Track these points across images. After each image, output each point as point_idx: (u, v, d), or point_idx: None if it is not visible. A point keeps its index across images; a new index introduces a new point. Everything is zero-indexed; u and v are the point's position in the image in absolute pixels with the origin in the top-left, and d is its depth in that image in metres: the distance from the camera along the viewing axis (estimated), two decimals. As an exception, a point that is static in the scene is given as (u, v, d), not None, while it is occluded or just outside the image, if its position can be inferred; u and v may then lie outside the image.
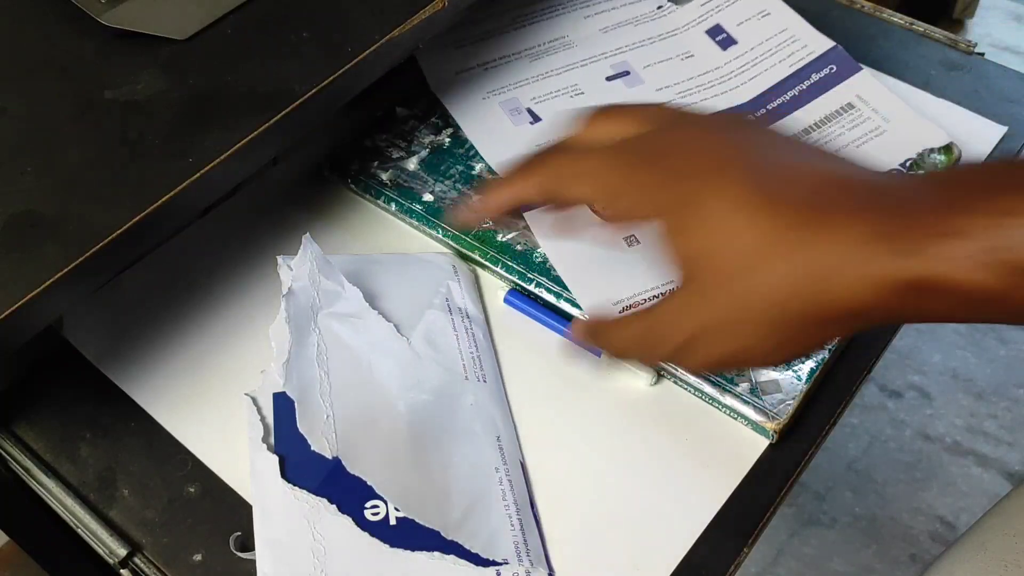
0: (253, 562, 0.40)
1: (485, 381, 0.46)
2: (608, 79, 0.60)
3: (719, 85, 0.60)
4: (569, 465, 0.44)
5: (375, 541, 0.39)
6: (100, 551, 0.42)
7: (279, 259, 0.49)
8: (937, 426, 1.13)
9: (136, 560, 0.42)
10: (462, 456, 0.43)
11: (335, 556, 0.39)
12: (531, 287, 0.50)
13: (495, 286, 0.51)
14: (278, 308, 0.46)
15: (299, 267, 0.47)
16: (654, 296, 0.48)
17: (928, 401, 1.16)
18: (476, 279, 0.52)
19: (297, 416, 0.42)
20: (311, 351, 0.45)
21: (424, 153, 0.56)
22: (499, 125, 0.57)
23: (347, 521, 0.40)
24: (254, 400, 0.44)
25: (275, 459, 0.42)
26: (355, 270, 0.49)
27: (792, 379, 0.45)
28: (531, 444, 0.45)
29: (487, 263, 0.51)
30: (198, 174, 0.40)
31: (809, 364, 0.46)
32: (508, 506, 0.42)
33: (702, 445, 0.45)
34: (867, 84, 0.58)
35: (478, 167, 0.55)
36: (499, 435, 0.44)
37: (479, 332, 0.48)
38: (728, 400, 0.45)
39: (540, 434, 0.45)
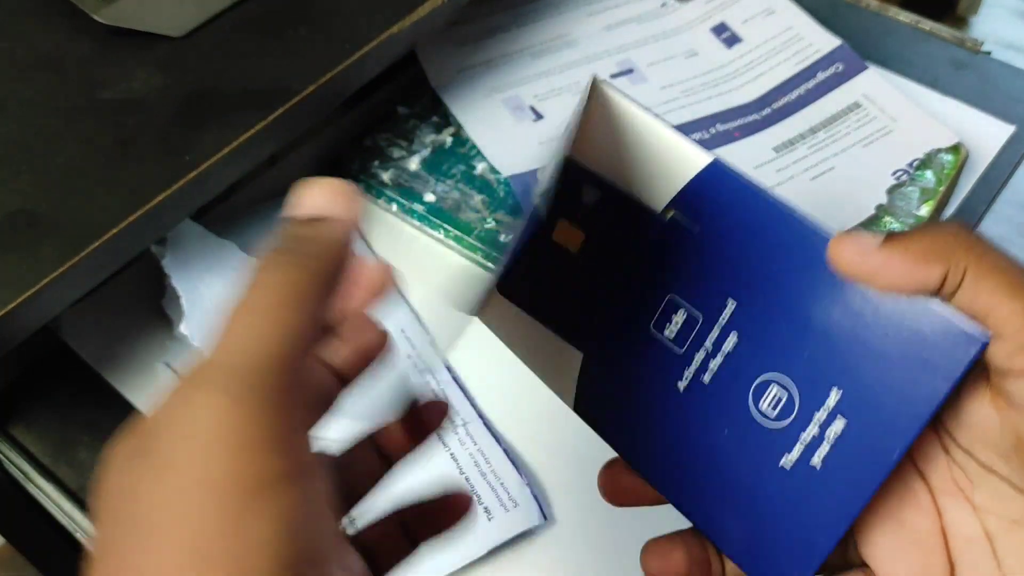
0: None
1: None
2: (612, 76, 0.59)
3: (724, 84, 0.59)
4: (577, 468, 0.44)
5: None
6: (97, 555, 0.42)
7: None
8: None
9: (133, 565, 0.41)
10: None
11: None
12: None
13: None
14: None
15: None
16: None
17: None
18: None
19: None
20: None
21: (426, 152, 0.56)
22: (502, 123, 0.57)
23: None
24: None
25: None
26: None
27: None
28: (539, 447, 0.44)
29: (490, 264, 0.51)
30: (195, 172, 0.39)
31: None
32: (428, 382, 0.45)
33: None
34: (874, 83, 0.58)
35: (480, 167, 0.55)
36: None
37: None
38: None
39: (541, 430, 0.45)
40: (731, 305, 0.28)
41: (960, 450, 0.26)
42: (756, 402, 0.28)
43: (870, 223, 0.51)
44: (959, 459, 0.26)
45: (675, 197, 0.29)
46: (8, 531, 0.45)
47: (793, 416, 0.27)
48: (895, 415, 0.26)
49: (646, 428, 0.30)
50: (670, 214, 0.30)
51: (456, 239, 0.52)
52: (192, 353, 0.47)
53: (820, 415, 0.27)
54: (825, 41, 0.60)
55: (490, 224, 0.51)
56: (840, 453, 0.26)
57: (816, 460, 0.27)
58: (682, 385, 0.29)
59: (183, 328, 0.42)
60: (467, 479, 0.42)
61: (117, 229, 0.38)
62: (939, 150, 0.54)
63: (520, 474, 0.42)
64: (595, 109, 0.30)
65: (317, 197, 0.22)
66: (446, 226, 0.52)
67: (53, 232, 0.37)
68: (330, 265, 0.21)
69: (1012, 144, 0.56)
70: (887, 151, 0.54)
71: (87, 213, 0.38)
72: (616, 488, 0.31)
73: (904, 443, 0.25)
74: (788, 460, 0.27)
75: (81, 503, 0.43)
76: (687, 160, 0.29)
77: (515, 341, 0.34)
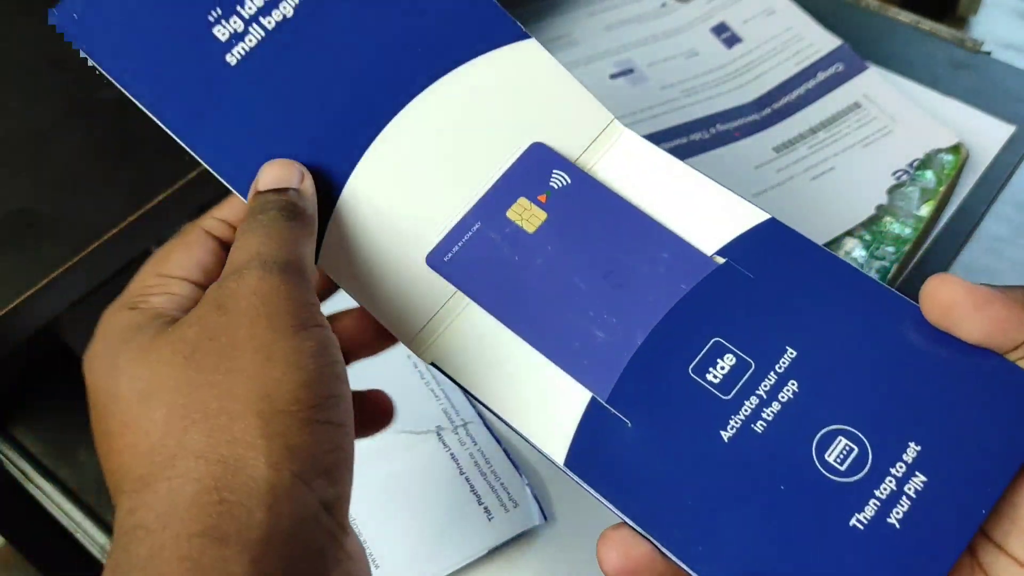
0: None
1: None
2: (612, 77, 0.59)
3: (724, 84, 0.59)
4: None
5: None
6: (97, 555, 0.42)
7: None
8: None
9: (133, 565, 0.41)
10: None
11: None
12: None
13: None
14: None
15: None
16: None
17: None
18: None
19: None
20: None
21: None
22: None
23: None
24: None
25: None
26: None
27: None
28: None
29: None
30: (195, 172, 0.39)
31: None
32: (428, 382, 0.46)
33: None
34: (874, 83, 0.58)
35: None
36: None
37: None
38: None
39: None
40: (790, 353, 0.27)
41: (991, 546, 0.26)
42: (820, 455, 0.26)
43: (870, 223, 0.51)
44: (986, 561, 0.26)
45: (726, 245, 0.30)
46: (8, 531, 0.45)
47: (866, 470, 0.26)
48: (980, 470, 0.25)
49: (672, 484, 0.27)
50: (719, 260, 0.29)
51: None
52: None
53: (897, 470, 0.26)
54: (825, 41, 0.60)
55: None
56: (922, 510, 0.25)
57: (894, 518, 0.25)
58: (727, 435, 0.27)
59: None
60: (467, 479, 0.42)
61: (117, 229, 0.38)
62: (939, 150, 0.54)
63: (520, 474, 0.42)
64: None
65: (273, 173, 0.28)
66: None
67: (53, 232, 0.37)
68: (298, 219, 0.27)
69: (1012, 144, 0.56)
70: (887, 151, 0.54)
71: (87, 213, 0.38)
72: (625, 562, 0.27)
73: (993, 497, 0.25)
74: (861, 518, 0.25)
75: (81, 503, 0.43)
76: (739, 213, 0.30)
77: (477, 373, 0.30)
